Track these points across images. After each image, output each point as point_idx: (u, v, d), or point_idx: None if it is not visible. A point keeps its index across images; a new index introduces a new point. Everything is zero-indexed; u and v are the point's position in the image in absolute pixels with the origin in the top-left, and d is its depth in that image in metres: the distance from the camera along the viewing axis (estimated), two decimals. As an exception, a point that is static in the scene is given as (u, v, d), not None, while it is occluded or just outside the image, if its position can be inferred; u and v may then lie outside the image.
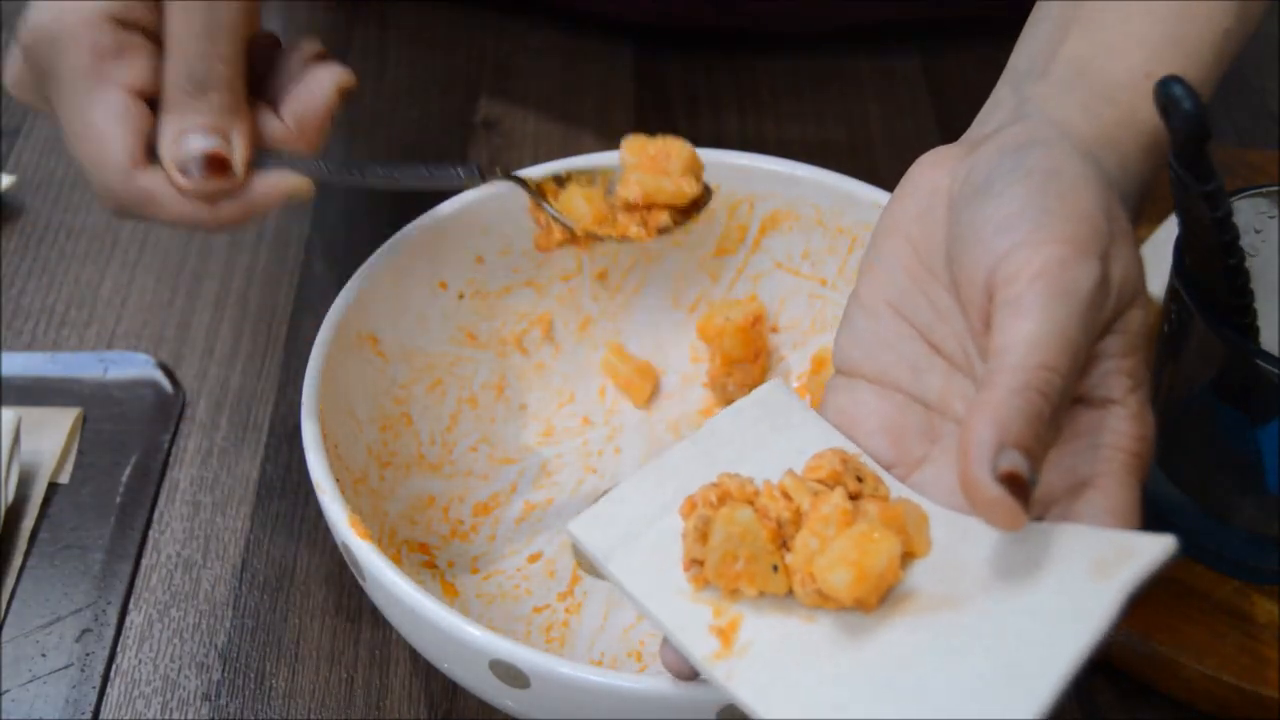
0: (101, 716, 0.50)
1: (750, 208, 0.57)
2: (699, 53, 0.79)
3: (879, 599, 0.38)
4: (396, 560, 0.46)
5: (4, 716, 0.49)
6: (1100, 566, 0.35)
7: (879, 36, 0.79)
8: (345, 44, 0.80)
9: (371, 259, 0.53)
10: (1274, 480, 0.47)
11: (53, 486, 0.56)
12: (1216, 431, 0.48)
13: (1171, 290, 0.47)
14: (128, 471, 0.57)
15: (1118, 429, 0.38)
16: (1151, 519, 0.52)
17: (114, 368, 0.61)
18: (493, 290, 0.57)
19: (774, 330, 0.59)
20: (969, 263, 0.39)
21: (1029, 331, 0.36)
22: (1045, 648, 0.34)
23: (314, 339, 0.50)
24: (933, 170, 0.43)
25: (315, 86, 0.49)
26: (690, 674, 0.39)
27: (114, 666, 0.51)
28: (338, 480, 0.45)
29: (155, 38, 0.47)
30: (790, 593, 0.39)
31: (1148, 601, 0.50)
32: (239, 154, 0.47)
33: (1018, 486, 0.35)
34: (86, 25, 0.46)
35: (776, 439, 0.44)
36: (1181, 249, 0.46)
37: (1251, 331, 0.47)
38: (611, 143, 0.52)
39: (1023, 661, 0.35)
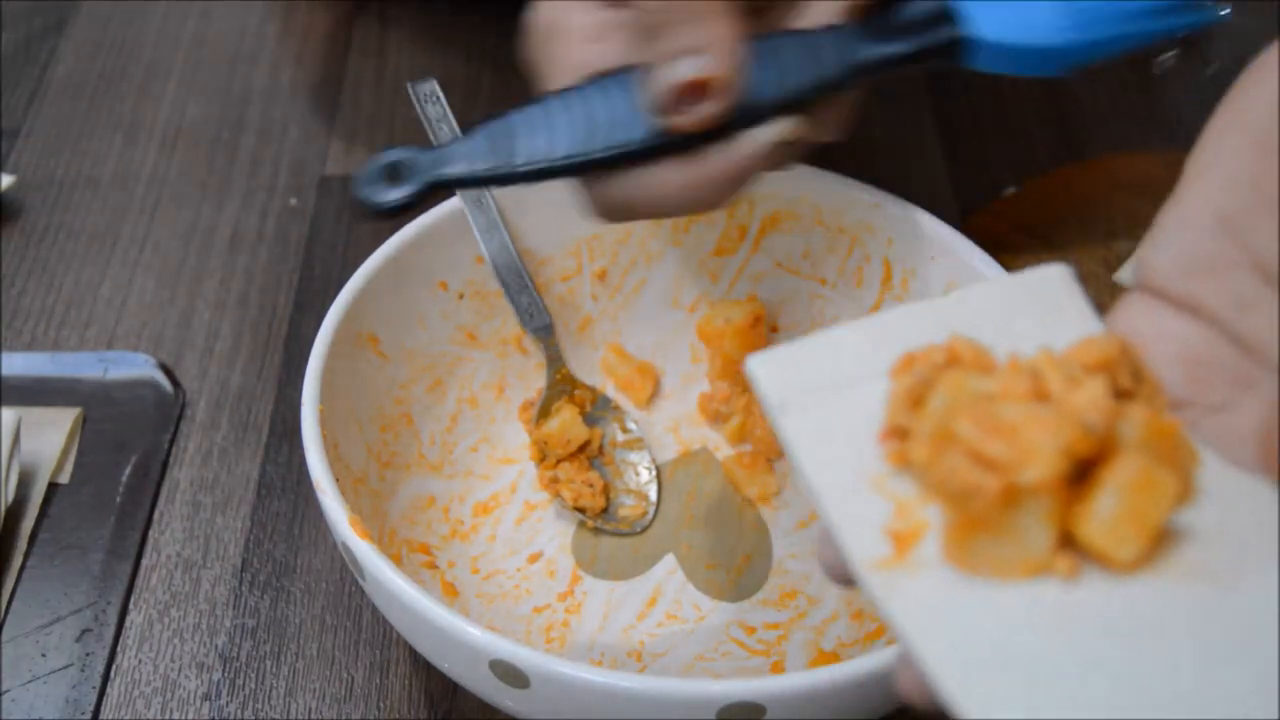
0: (101, 716, 0.50)
1: (750, 208, 0.57)
2: (699, 53, 0.79)
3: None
4: (396, 560, 0.46)
5: (4, 716, 0.49)
6: None
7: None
8: (345, 44, 0.80)
9: (371, 259, 0.53)
10: (1275, 481, 0.47)
11: (53, 486, 0.56)
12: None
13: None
14: (128, 471, 0.57)
15: None
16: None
17: (114, 368, 0.61)
18: (492, 290, 0.57)
19: (774, 330, 0.59)
20: None
21: None
22: None
23: (314, 339, 0.50)
24: None
25: None
26: (842, 577, 0.32)
27: (114, 666, 0.51)
28: (338, 480, 0.45)
29: None
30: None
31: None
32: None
33: None
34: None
35: (1036, 328, 0.34)
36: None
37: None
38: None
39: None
